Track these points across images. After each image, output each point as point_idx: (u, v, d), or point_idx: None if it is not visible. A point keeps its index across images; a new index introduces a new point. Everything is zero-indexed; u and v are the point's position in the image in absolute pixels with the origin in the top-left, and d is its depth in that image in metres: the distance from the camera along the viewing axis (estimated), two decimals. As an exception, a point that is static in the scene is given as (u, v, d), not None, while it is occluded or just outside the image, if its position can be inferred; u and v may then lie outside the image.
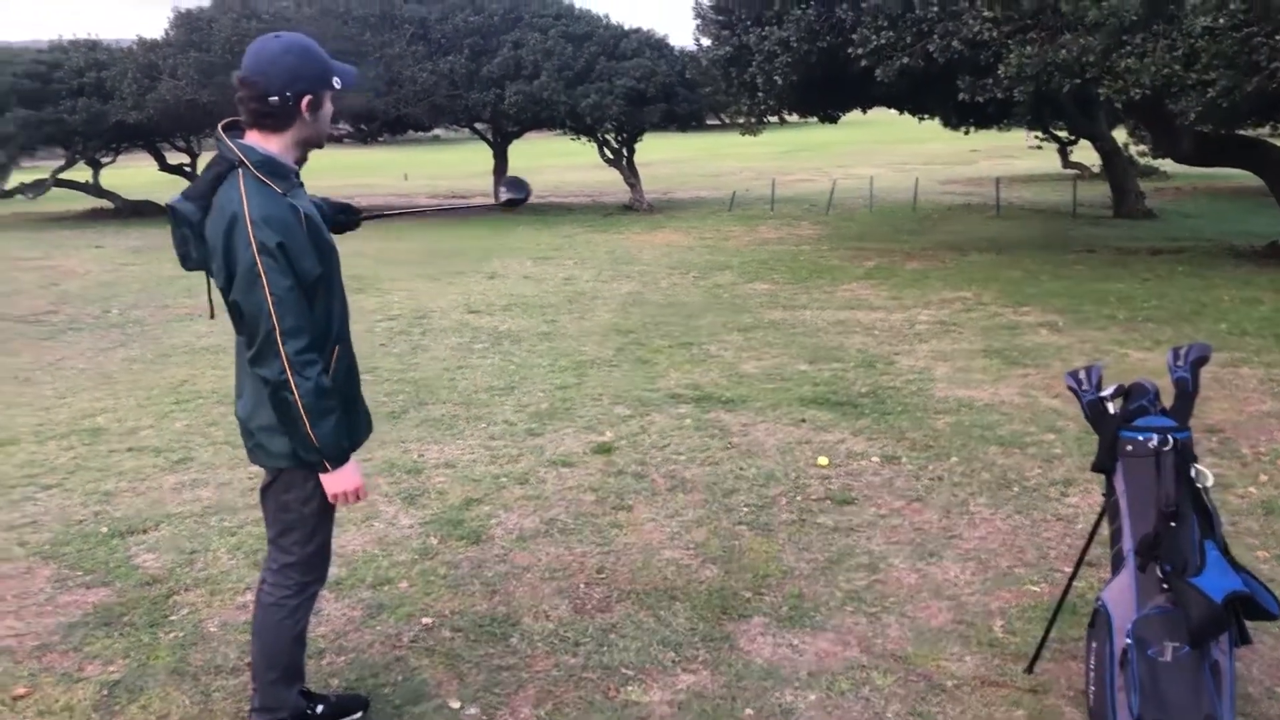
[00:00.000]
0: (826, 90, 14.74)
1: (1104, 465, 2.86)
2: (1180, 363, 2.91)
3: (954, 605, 3.76)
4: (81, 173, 26.12)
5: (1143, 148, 24.41)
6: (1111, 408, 2.93)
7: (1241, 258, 13.10)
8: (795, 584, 3.97)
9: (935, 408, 6.49)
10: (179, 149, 27.92)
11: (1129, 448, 2.80)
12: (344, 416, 2.69)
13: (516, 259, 14.50)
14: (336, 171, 40.52)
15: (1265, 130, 18.91)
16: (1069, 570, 4.01)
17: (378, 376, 7.64)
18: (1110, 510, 2.88)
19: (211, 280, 2.66)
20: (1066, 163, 28.63)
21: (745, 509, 4.78)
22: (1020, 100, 11.08)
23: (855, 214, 21.08)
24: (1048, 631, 3.24)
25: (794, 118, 17.44)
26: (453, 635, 3.61)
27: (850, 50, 11.85)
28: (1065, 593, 3.19)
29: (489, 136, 25.80)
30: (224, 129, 2.63)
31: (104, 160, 26.63)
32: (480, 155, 31.96)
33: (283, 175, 2.63)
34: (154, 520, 4.80)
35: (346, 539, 4.49)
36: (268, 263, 2.47)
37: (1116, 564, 2.80)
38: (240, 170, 2.55)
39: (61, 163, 25.70)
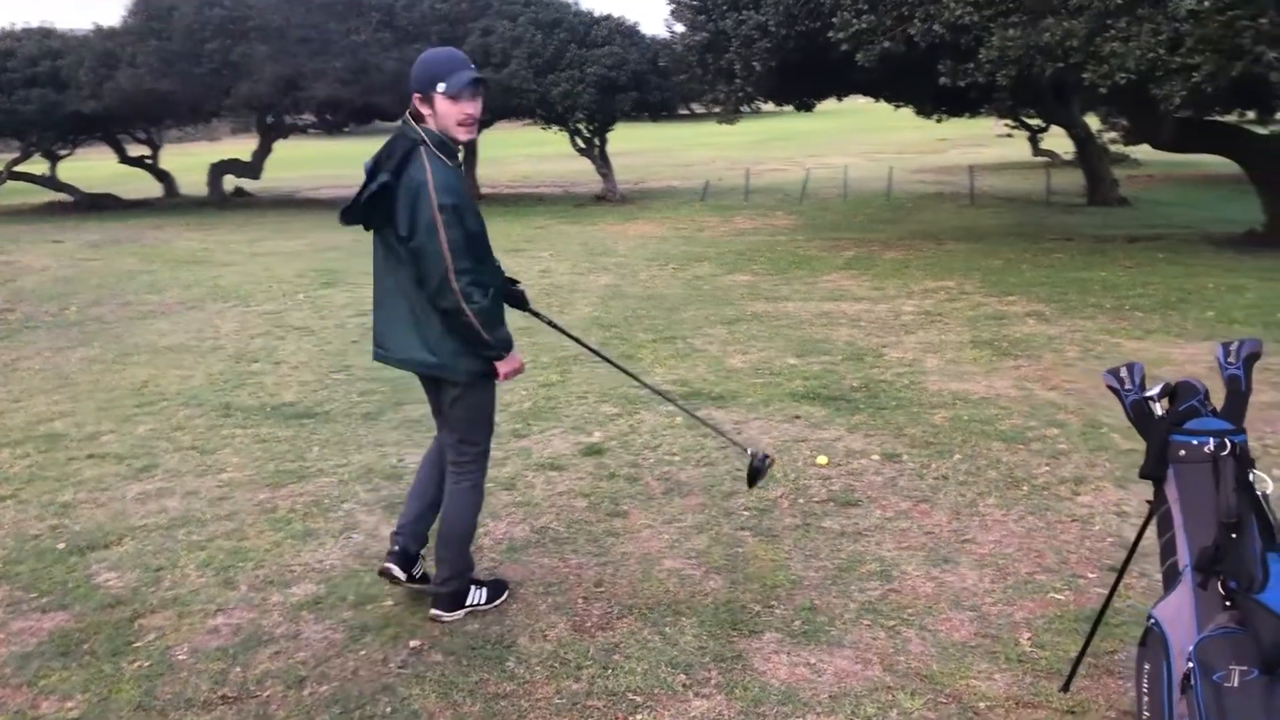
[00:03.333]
0: (805, 76, 14.50)
1: (1153, 472, 2.65)
2: (1232, 359, 2.70)
3: (976, 617, 3.55)
4: (38, 165, 25.43)
5: (1114, 135, 24.45)
6: (1158, 409, 2.71)
7: (1221, 245, 13.03)
8: (806, 595, 3.74)
9: (930, 402, 6.29)
10: (140, 140, 27.25)
11: (1182, 452, 2.59)
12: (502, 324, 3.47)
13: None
14: (302, 164, 39.86)
15: (1233, 117, 18.93)
16: (1091, 576, 3.82)
17: (351, 375, 7.34)
18: (1161, 521, 2.66)
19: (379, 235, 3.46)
20: (1037, 150, 28.62)
21: (746, 513, 4.54)
22: (1002, 85, 10.89)
23: (830, 204, 20.91)
24: (1085, 649, 3.03)
25: (769, 106, 17.21)
26: (444, 659, 3.35)
27: (830, 35, 11.61)
28: (1104, 608, 2.97)
29: (457, 126, 25.36)
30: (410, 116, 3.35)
31: (61, 152, 25.94)
32: (448, 146, 31.47)
33: (450, 154, 3.37)
34: (116, 534, 4.50)
35: (324, 553, 4.21)
36: (445, 219, 3.21)
37: (1170, 579, 2.59)
38: (422, 148, 3.28)
39: (16, 155, 24.99)
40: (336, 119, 25.24)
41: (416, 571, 3.75)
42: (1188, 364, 7.13)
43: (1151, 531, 2.79)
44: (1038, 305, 9.50)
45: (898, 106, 19.69)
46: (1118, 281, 10.59)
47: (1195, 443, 2.56)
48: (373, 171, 3.35)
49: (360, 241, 14.89)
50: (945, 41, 10.96)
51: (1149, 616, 2.59)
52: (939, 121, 21.55)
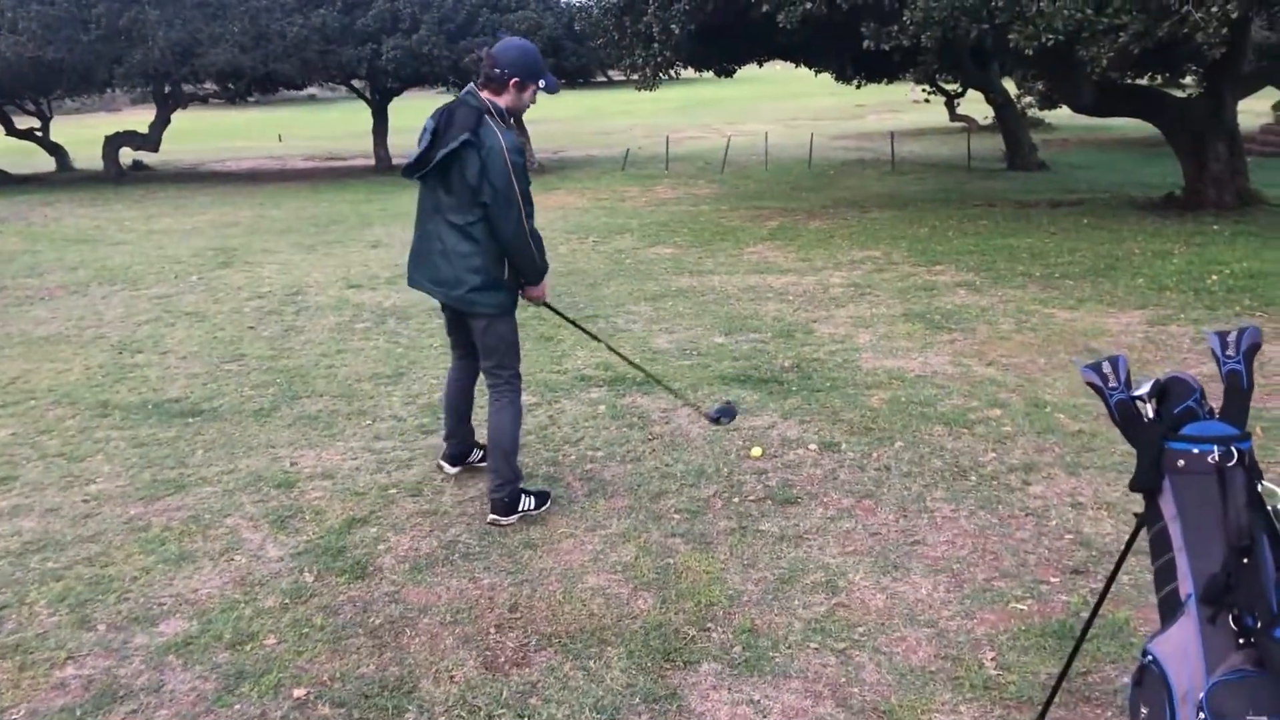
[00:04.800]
0: (725, 40, 14.07)
1: (1147, 485, 2.29)
2: (1231, 352, 2.35)
3: (934, 634, 3.20)
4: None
5: (1030, 99, 24.52)
6: (1149, 410, 2.36)
7: (1143, 209, 12.99)
8: (746, 613, 3.36)
9: (865, 382, 5.96)
10: (28, 112, 25.72)
11: (1181, 463, 2.23)
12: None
13: (400, 225, 13.53)
14: (205, 135, 38.31)
15: (1144, 81, 19.02)
16: (1054, 581, 3.51)
17: (245, 366, 6.75)
18: (1156, 541, 2.31)
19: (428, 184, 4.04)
20: (954, 115, 28.64)
21: (677, 516, 4.14)
22: (927, 47, 10.59)
23: (751, 171, 20.59)
24: (1060, 680, 2.68)
25: (689, 73, 16.74)
26: (333, 712, 2.89)
27: (750, -3, 11.19)
28: (1082, 636, 2.62)
29: (367, 95, 24.45)
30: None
31: (-60, 125, 24.39)
32: (359, 115, 30.49)
33: (509, 123, 3.96)
34: (-41, 563, 3.92)
35: (200, 580, 3.70)
36: (516, 173, 3.84)
37: (1170, 610, 2.24)
38: (488, 116, 3.86)
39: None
40: (238, 88, 24.04)
41: (473, 459, 4.67)
42: (1123, 334, 6.93)
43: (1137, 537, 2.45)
44: (967, 274, 9.27)
45: (818, 72, 19.40)
46: (1045, 248, 10.42)
47: (1197, 451, 2.21)
48: (436, 132, 3.91)
49: (263, 218, 14.13)
50: (868, 3, 10.62)
51: (1145, 653, 2.24)
52: (858, 87, 21.34)
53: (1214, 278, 8.53)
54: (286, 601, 3.53)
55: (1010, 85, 22.33)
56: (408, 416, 5.56)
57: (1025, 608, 3.33)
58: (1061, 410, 5.32)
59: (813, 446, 4.90)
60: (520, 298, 4.19)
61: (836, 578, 3.58)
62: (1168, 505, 2.28)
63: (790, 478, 4.52)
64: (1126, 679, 2.91)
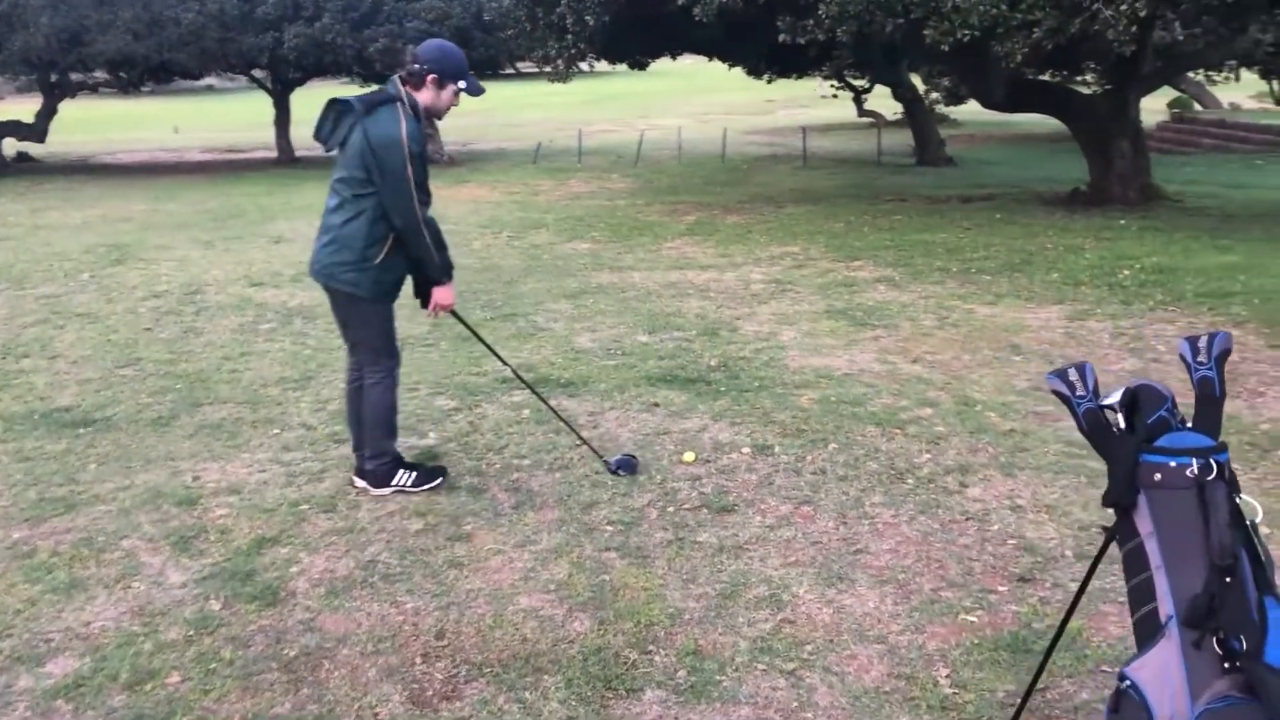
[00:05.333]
0: (640, 33, 13.90)
1: (1122, 499, 2.18)
2: (1202, 358, 2.25)
3: (885, 651, 3.07)
4: None
5: (937, 95, 24.92)
6: (1120, 420, 2.25)
7: (1051, 204, 13.22)
8: (689, 633, 3.18)
9: (794, 381, 5.85)
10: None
11: (1157, 476, 2.12)
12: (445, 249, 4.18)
13: (305, 219, 13.05)
14: (96, 126, 36.74)
15: (1045, 77, 19.43)
16: (1002, 590, 3.42)
17: (141, 371, 6.34)
18: (1130, 559, 2.20)
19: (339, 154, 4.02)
20: (862, 111, 29.00)
21: (610, 528, 3.95)
22: (843, 41, 10.57)
23: (665, 166, 20.49)
24: (1024, 704, 2.57)
25: (601, 65, 16.54)
26: (244, 760, 2.63)
27: (666, -12, 11.04)
28: (1046, 659, 2.51)
29: (268, 85, 23.65)
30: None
31: None
32: (260, 106, 29.56)
33: (419, 115, 4.00)
34: None
35: (94, 611, 3.38)
36: (414, 160, 3.87)
37: (1148, 632, 2.13)
38: (399, 105, 3.92)
39: None
40: (131, 77, 22.99)
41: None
42: (1043, 330, 6.96)
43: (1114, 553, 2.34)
44: (885, 270, 9.27)
45: (731, 66, 19.38)
46: (960, 244, 10.50)
47: (1175, 465, 2.10)
48: (342, 111, 3.99)
49: (158, 212, 13.49)
50: (785, -4, 10.58)
51: (1122, 677, 2.13)
52: (769, 82, 21.41)
53: (1126, 272, 8.67)
54: (191, 633, 3.23)
55: (917, 81, 22.65)
56: (318, 424, 5.26)
57: (975, 619, 3.23)
58: (991, 409, 5.28)
59: (746, 450, 4.75)
60: (426, 310, 4.24)
61: (780, 591, 3.43)
62: (1143, 521, 2.17)
63: (725, 483, 4.37)
64: (1085, 694, 2.82)
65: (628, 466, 4.49)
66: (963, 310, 7.61)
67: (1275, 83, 28.44)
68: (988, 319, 7.32)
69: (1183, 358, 2.30)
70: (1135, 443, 2.18)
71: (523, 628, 3.23)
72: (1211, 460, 2.10)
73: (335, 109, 4.02)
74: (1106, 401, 2.30)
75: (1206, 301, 7.55)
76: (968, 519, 3.97)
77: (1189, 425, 2.20)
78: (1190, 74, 23.78)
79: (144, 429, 5.26)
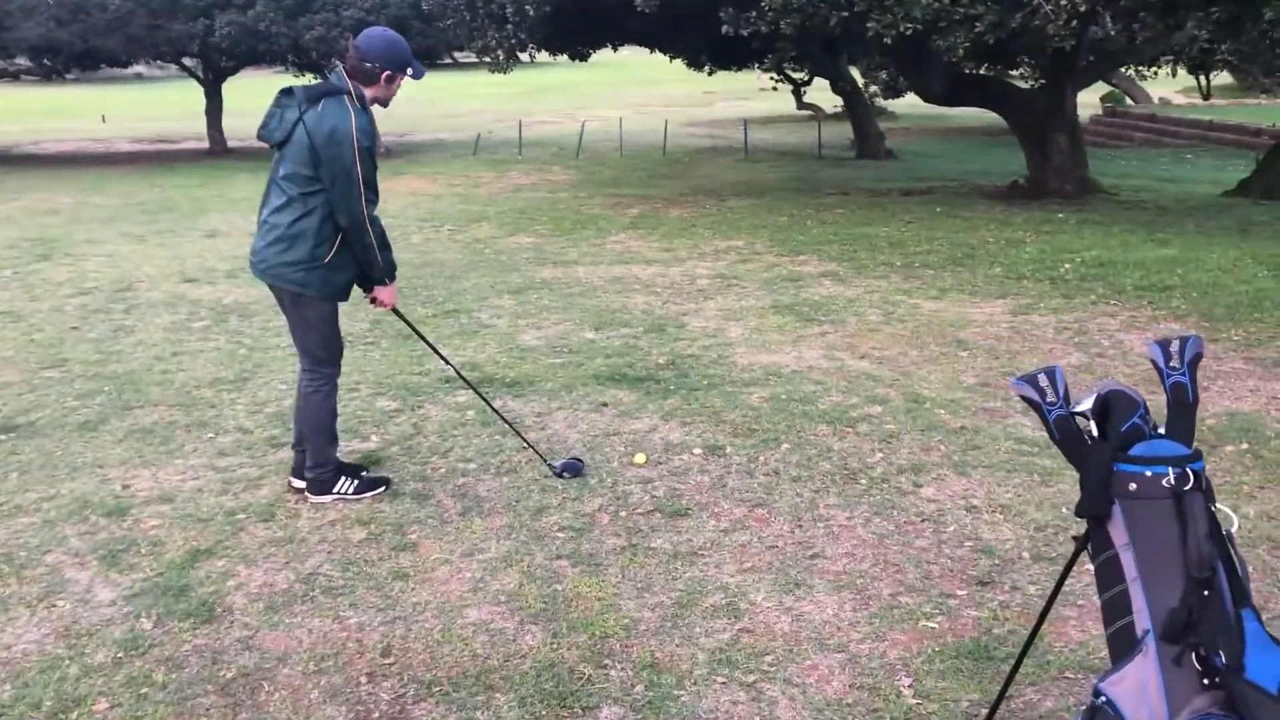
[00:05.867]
0: (581, 23, 13.75)
1: (1096, 510, 2.12)
2: (1175, 363, 2.20)
3: (846, 660, 3.00)
4: None
5: (875, 88, 25.08)
6: (1093, 427, 2.19)
7: (991, 198, 13.34)
8: (645, 645, 3.09)
9: (743, 379, 5.79)
10: None
11: (1133, 486, 2.07)
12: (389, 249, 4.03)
13: (239, 213, 12.72)
14: (18, 114, 35.58)
15: (980, 71, 19.64)
16: (961, 595, 3.37)
17: (68, 373, 6.08)
18: (1103, 571, 2.15)
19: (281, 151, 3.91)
20: (801, 104, 29.07)
21: (561, 535, 3.84)
22: (786, 34, 10.53)
23: (606, 158, 20.37)
24: (992, 714, 2.52)
25: (542, 56, 16.35)
26: (179, 794, 2.49)
27: (608, -21, 10.92)
28: (1015, 670, 2.46)
29: (199, 74, 23.05)
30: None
31: None
32: (191, 95, 28.82)
33: (366, 106, 3.87)
34: None
35: (15, 633, 3.19)
36: (363, 155, 3.77)
37: (1124, 647, 2.08)
38: (345, 97, 3.81)
39: None
40: (55, 64, 22.26)
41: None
42: (988, 325, 6.97)
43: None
44: (830, 265, 9.25)
45: (672, 58, 19.30)
46: (903, 238, 10.52)
47: (1150, 474, 2.05)
48: (292, 103, 3.88)
49: (86, 205, 13.10)
50: (728, -12, 10.51)
51: (1097, 693, 2.07)
52: (709, 74, 21.36)
53: (1067, 266, 8.74)
54: (120, 655, 3.06)
55: (856, 74, 22.77)
56: (254, 428, 5.07)
57: (936, 625, 3.17)
58: (941, 406, 5.25)
59: (697, 451, 4.67)
60: (370, 303, 4.16)
61: (737, 599, 3.35)
62: (1118, 532, 2.12)
63: (678, 486, 4.28)
64: (1050, 702, 2.78)
65: (573, 469, 4.39)
66: (908, 305, 7.61)
67: (1203, 78, 29.12)
68: (933, 314, 7.32)
69: (1154, 362, 2.25)
70: (1109, 451, 2.13)
71: (473, 643, 3.11)
72: (1188, 469, 2.05)
73: (279, 103, 3.92)
74: (1078, 409, 2.25)
75: (1147, 295, 7.63)
76: (923, 520, 3.93)
77: (1162, 432, 2.16)
78: (1121, 69, 24.22)
79: (70, 434, 5.02)
